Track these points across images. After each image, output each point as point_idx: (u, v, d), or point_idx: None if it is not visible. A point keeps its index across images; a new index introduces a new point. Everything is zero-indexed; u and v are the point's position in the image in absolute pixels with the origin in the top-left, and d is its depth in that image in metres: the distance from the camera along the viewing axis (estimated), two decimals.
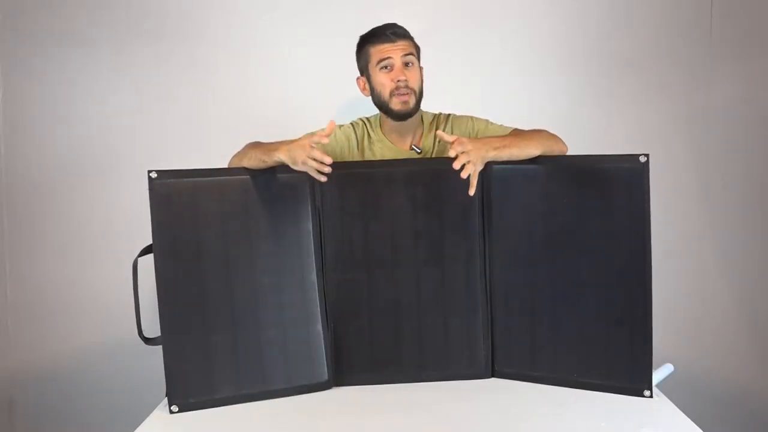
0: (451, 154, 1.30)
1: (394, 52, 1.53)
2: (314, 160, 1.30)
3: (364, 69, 1.61)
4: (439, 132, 1.36)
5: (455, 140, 1.31)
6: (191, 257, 1.37)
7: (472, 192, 1.30)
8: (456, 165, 1.28)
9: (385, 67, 1.54)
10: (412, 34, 1.59)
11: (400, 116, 1.56)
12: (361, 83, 1.63)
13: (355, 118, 1.69)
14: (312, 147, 1.31)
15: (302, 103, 2.13)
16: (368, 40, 1.57)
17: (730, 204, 2.17)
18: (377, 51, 1.55)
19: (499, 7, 2.15)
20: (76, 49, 2.14)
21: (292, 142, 1.37)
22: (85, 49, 2.14)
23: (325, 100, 2.12)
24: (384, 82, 1.55)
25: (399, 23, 1.58)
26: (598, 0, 2.14)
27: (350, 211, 1.44)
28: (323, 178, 1.33)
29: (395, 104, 1.55)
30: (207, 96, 2.16)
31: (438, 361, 1.45)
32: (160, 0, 2.14)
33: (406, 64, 1.54)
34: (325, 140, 1.31)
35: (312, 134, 1.66)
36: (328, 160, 1.30)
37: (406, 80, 1.53)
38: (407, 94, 1.53)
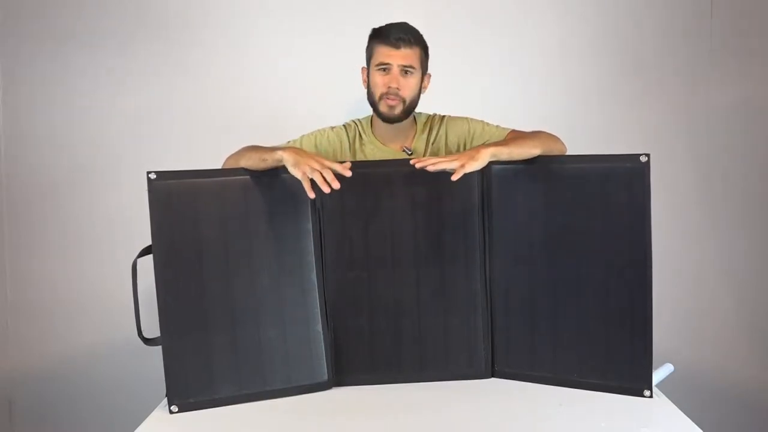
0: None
1: (394, 59, 1.53)
2: (330, 170, 1.28)
3: (367, 62, 1.61)
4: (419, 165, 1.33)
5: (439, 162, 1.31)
6: (191, 258, 1.37)
7: (455, 178, 1.29)
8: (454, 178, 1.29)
9: (383, 69, 1.55)
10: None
11: (386, 119, 1.58)
12: (364, 74, 1.63)
13: (347, 120, 1.69)
14: (328, 162, 1.30)
15: (300, 104, 2.13)
16: (377, 36, 1.56)
17: (730, 204, 2.17)
18: (379, 53, 1.55)
19: (499, 7, 2.15)
20: (76, 50, 2.14)
21: (298, 148, 1.37)
22: (84, 50, 2.14)
23: (322, 101, 2.13)
24: (378, 83, 1.55)
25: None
26: (598, 1, 2.15)
27: (350, 211, 1.44)
28: (327, 189, 1.27)
29: (382, 107, 1.56)
30: (207, 97, 2.16)
31: (438, 361, 1.45)
32: (159, 2, 2.14)
33: (405, 72, 1.54)
34: (348, 173, 1.30)
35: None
36: (348, 173, 1.29)
37: (397, 89, 1.53)
38: (395, 100, 1.54)
